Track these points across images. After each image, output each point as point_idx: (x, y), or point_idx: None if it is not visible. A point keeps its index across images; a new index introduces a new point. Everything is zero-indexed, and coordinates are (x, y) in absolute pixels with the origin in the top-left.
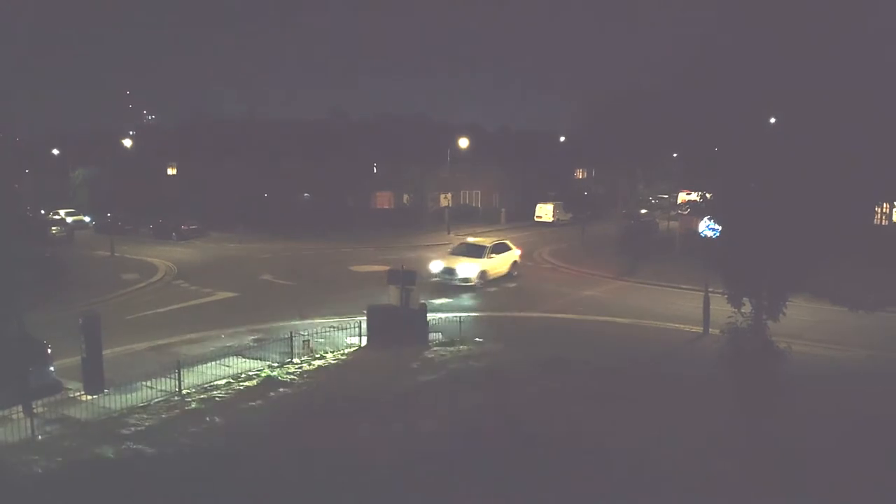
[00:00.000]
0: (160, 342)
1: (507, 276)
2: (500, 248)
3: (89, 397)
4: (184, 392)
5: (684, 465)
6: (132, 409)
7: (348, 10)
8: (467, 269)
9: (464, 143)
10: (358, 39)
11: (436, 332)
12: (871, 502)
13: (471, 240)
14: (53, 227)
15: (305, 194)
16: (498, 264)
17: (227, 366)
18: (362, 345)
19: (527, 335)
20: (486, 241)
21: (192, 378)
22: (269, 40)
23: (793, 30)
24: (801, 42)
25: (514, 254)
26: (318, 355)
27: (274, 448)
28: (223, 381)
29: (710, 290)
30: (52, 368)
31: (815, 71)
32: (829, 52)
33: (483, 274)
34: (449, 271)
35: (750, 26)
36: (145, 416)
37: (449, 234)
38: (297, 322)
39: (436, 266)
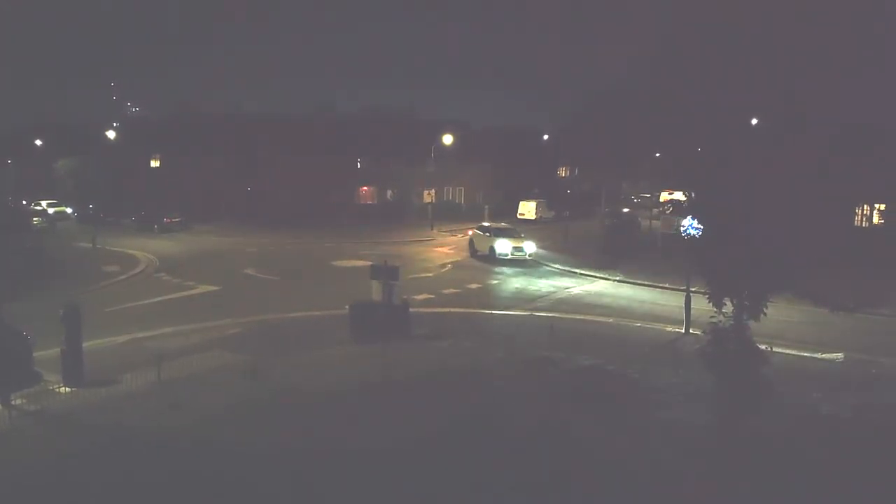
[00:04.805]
0: (141, 335)
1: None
2: None
3: (69, 389)
4: (164, 385)
5: (664, 468)
6: (112, 402)
7: (341, 6)
8: (530, 246)
9: (448, 139)
10: (348, 36)
11: (419, 328)
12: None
13: (489, 224)
14: (35, 218)
15: (289, 188)
16: None
17: (208, 359)
18: (345, 340)
19: (508, 333)
20: (507, 224)
21: (173, 371)
22: (260, 35)
23: (775, 33)
24: (782, 45)
25: None
26: (298, 350)
27: (253, 443)
28: (205, 375)
29: (692, 289)
30: (31, 359)
31: (797, 74)
32: (812, 56)
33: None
34: (518, 249)
35: (733, 28)
36: (125, 409)
37: (432, 229)
38: (278, 316)
39: (503, 246)
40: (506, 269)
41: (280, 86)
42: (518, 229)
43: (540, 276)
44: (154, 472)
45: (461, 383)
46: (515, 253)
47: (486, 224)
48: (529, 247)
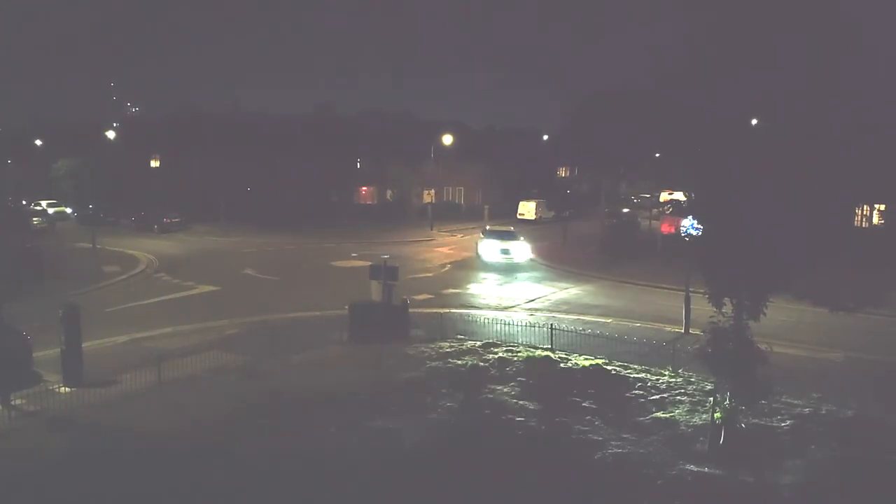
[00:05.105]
0: (140, 335)
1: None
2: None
3: (68, 389)
4: (163, 385)
5: (665, 469)
6: (111, 402)
7: (339, 6)
8: (519, 248)
9: (448, 140)
10: (346, 35)
11: (417, 328)
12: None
13: (492, 227)
14: (35, 218)
15: (288, 188)
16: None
17: (208, 359)
18: (343, 340)
19: (507, 333)
20: (510, 227)
21: (172, 371)
22: (257, 35)
23: (775, 33)
24: (783, 45)
25: None
26: (298, 350)
27: (253, 444)
28: (203, 375)
29: (691, 289)
30: (31, 360)
31: (798, 74)
32: (812, 57)
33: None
34: (506, 252)
35: (733, 29)
36: (124, 410)
37: (432, 230)
38: (277, 316)
39: (490, 249)
40: (506, 271)
41: (280, 86)
42: (519, 232)
43: (540, 277)
44: (154, 472)
45: (461, 383)
46: (503, 256)
47: (488, 227)
48: (520, 249)
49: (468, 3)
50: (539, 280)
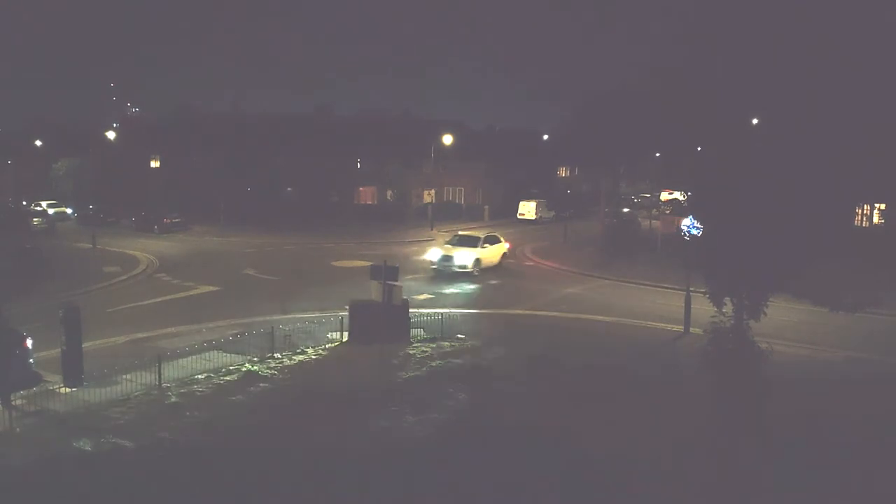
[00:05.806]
0: (141, 335)
1: (498, 266)
2: (492, 240)
3: (69, 390)
4: (164, 386)
5: (664, 466)
6: (112, 403)
7: (337, 5)
8: (464, 256)
9: (448, 140)
10: (346, 34)
11: (418, 328)
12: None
13: (462, 232)
14: (35, 219)
15: (288, 188)
16: (490, 254)
17: (208, 360)
18: (344, 340)
19: (508, 332)
20: (479, 233)
21: (173, 372)
22: (256, 34)
23: (775, 34)
24: (783, 46)
25: (504, 246)
26: (298, 350)
27: (253, 444)
28: (203, 376)
29: (692, 289)
30: (31, 360)
31: (797, 74)
32: (811, 57)
33: (478, 262)
34: (447, 259)
35: (734, 29)
36: (125, 410)
37: (432, 230)
38: (278, 317)
39: (434, 254)
40: (507, 271)
41: (279, 86)
42: (480, 237)
43: (541, 277)
44: (152, 472)
45: (461, 382)
46: (442, 263)
47: (460, 233)
48: (463, 258)
49: (469, 3)
50: (539, 280)
